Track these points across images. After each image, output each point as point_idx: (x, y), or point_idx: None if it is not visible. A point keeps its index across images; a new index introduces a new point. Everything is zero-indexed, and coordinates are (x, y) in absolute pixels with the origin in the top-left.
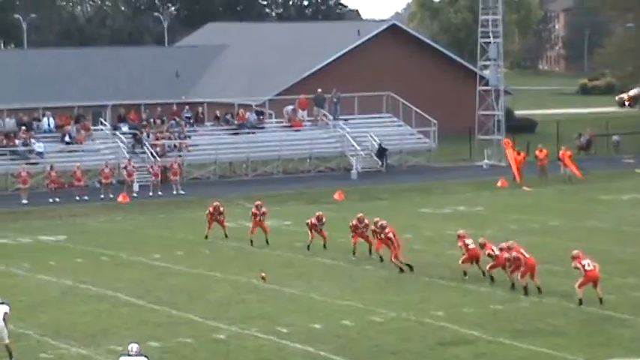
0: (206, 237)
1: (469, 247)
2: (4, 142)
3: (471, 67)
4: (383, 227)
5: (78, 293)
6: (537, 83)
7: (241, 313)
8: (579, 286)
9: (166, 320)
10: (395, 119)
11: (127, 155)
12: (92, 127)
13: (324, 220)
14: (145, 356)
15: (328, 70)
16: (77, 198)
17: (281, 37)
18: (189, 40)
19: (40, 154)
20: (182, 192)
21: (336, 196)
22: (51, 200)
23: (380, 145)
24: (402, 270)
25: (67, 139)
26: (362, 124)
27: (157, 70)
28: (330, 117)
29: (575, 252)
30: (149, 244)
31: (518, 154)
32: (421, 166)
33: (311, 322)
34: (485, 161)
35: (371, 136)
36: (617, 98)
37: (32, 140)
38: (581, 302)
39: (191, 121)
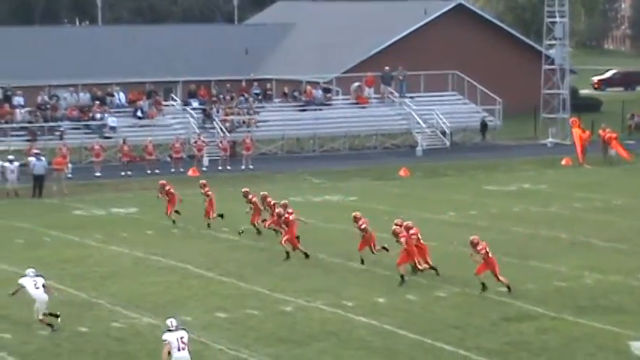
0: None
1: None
2: (79, 116)
3: (536, 46)
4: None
5: (149, 265)
6: (602, 63)
7: (307, 286)
8: None
9: (234, 292)
10: (460, 97)
11: (197, 130)
12: (163, 103)
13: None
14: (185, 329)
15: (395, 49)
16: (148, 171)
17: (349, 16)
18: (259, 19)
19: (113, 128)
20: (251, 167)
21: (401, 172)
22: (123, 173)
23: (483, 120)
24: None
25: (139, 113)
26: (427, 101)
27: (227, 48)
28: (397, 94)
29: None
30: (217, 218)
31: (584, 131)
32: (486, 143)
33: (375, 296)
34: (550, 139)
35: (436, 114)
36: None
37: (106, 115)
38: None
39: (259, 97)
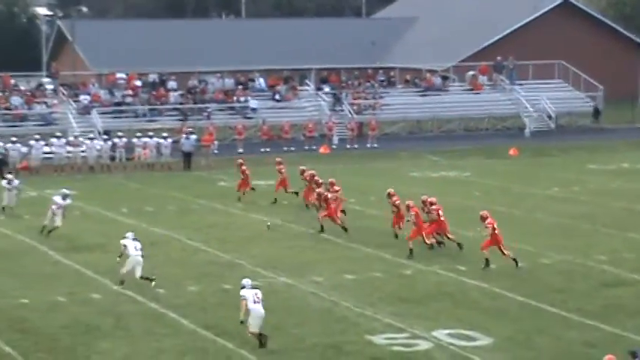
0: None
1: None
2: (224, 98)
3: (636, 39)
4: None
5: (285, 231)
6: None
7: (426, 252)
8: None
9: (361, 256)
10: (565, 84)
11: (328, 112)
12: (299, 88)
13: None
14: (258, 288)
15: (506, 40)
16: (284, 148)
17: (465, 10)
18: (385, 13)
19: (254, 109)
20: (375, 145)
21: (510, 151)
22: (262, 150)
23: (595, 106)
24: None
25: (277, 97)
26: (535, 88)
27: (356, 39)
28: (507, 82)
29: None
30: (346, 190)
31: None
32: (588, 126)
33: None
34: None
35: (543, 99)
36: None
37: (248, 98)
38: None
39: (384, 83)
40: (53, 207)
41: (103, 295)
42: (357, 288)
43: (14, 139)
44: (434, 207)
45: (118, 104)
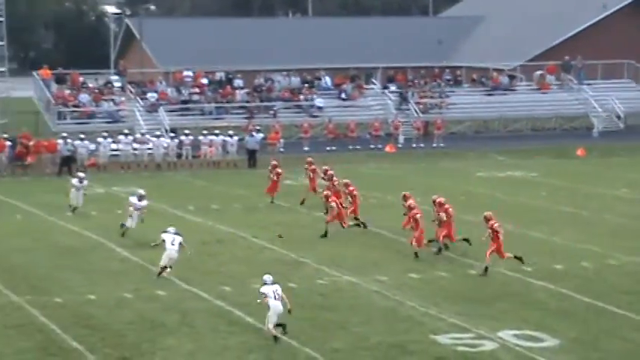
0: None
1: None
2: (290, 97)
3: None
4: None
5: (349, 229)
6: None
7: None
8: None
9: (426, 256)
10: (634, 84)
11: (394, 111)
12: (365, 86)
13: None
14: (277, 283)
15: (575, 40)
16: (350, 147)
17: (533, 9)
18: (452, 12)
19: (319, 108)
20: (442, 144)
21: (578, 152)
22: (328, 148)
23: None
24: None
25: (343, 95)
26: (604, 88)
27: (422, 38)
28: (575, 81)
29: None
30: (411, 190)
31: None
32: None
33: (553, 263)
34: None
35: (612, 99)
36: None
37: (314, 96)
38: None
39: (450, 82)
40: (130, 208)
41: (169, 292)
42: (421, 287)
43: (82, 136)
44: (445, 207)
45: (185, 102)
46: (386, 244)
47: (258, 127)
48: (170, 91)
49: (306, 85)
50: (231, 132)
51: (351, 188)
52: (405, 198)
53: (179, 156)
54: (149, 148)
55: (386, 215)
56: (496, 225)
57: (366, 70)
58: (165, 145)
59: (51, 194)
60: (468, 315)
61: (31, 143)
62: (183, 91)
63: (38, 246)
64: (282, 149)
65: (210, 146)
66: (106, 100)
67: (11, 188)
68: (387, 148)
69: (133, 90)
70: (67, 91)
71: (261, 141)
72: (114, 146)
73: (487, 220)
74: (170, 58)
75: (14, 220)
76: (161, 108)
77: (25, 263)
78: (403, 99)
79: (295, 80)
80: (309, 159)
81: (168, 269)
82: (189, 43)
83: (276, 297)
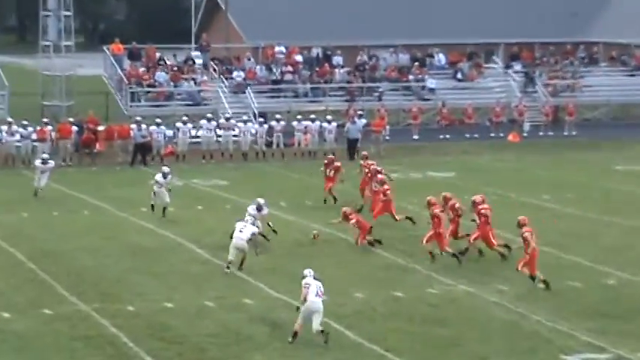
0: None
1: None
2: (398, 77)
3: None
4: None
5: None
6: None
7: (632, 259)
8: None
9: (553, 262)
10: None
11: (519, 94)
12: (484, 65)
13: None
14: (319, 280)
15: None
16: (467, 135)
17: None
18: None
19: (431, 90)
20: (574, 133)
21: None
22: (441, 137)
23: None
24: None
25: (458, 76)
26: None
27: (552, 9)
28: None
29: None
30: (538, 185)
31: None
32: None
33: None
34: None
35: None
36: None
37: (425, 76)
38: None
39: (585, 61)
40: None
41: (256, 301)
42: (549, 299)
43: (158, 120)
44: (452, 202)
45: (276, 82)
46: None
47: (360, 112)
48: (259, 70)
49: (417, 63)
50: (329, 117)
51: (385, 187)
52: (430, 205)
53: (269, 144)
54: (235, 135)
55: (507, 215)
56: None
57: (486, 46)
58: (254, 131)
59: (123, 187)
60: (605, 332)
61: (100, 128)
62: (275, 70)
63: (108, 246)
64: (387, 137)
65: (305, 133)
66: (185, 79)
67: (78, 179)
68: (510, 137)
69: (216, 68)
70: (142, 69)
71: (364, 128)
72: (194, 132)
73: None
74: (259, 31)
75: (81, 217)
76: (249, 89)
77: (93, 266)
78: (529, 80)
79: (404, 58)
80: (365, 153)
81: (228, 269)
82: (282, 15)
83: (319, 293)
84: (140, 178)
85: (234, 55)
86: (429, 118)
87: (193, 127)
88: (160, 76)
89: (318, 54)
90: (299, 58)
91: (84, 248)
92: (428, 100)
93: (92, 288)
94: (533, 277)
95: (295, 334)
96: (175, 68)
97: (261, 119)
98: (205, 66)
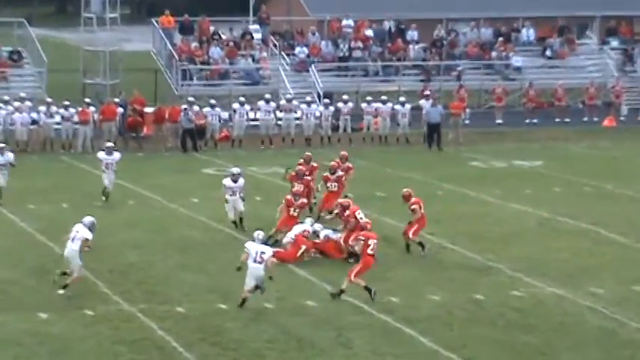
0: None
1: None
2: (479, 54)
3: None
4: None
5: (554, 227)
6: None
7: None
8: None
9: None
10: None
11: (616, 74)
12: (577, 41)
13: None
14: (268, 245)
15: None
16: (557, 120)
17: None
18: None
19: (517, 69)
20: None
21: None
22: (528, 121)
23: None
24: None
25: (547, 53)
26: None
27: None
28: None
29: None
30: (638, 175)
31: None
32: None
33: None
34: None
35: None
36: None
37: (510, 53)
38: None
39: None
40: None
41: (320, 303)
42: None
43: (213, 101)
44: (412, 201)
45: (343, 59)
46: (602, 247)
47: (435, 94)
48: (324, 46)
49: (501, 38)
50: (402, 98)
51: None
52: (406, 198)
53: (335, 128)
54: (297, 118)
55: (604, 209)
56: (414, 206)
57: (579, 19)
58: (318, 114)
59: (172, 174)
60: None
61: (148, 110)
62: (342, 46)
63: (155, 241)
64: (466, 121)
65: (376, 116)
66: (242, 55)
67: (122, 166)
68: (606, 122)
69: (277, 43)
70: (194, 44)
71: (443, 111)
72: (252, 115)
73: (407, 198)
74: (325, 2)
75: (125, 207)
76: (312, 67)
77: (139, 262)
78: (628, 58)
79: (486, 32)
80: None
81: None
82: None
83: (257, 260)
84: (192, 166)
85: (296, 29)
86: (514, 100)
87: (251, 109)
88: (215, 52)
89: (390, 28)
90: (369, 32)
91: (128, 243)
92: (513, 80)
93: (137, 287)
94: (408, 245)
95: (243, 301)
96: (231, 43)
97: (327, 100)
98: (264, 41)
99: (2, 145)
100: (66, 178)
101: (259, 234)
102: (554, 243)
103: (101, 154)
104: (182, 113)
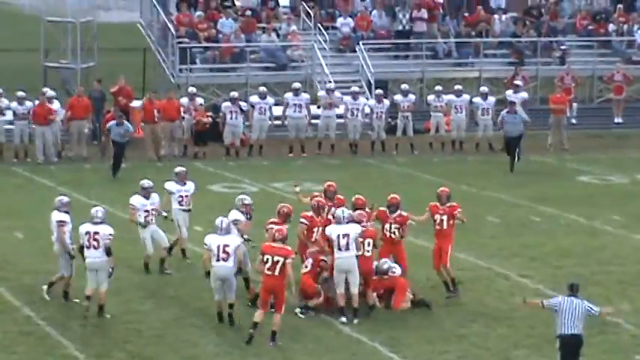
0: None
1: None
2: (591, 28)
3: None
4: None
5: None
6: None
7: None
8: None
9: None
10: None
11: None
12: None
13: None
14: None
15: None
16: None
17: None
18: None
19: None
20: None
21: None
22: None
23: None
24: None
25: None
26: None
27: None
28: None
29: None
30: None
31: None
32: None
33: None
34: None
35: None
36: None
37: (634, 27)
38: None
39: None
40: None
41: None
42: None
43: (234, 93)
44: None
45: (402, 35)
46: None
47: (531, 82)
48: (376, 16)
49: (620, 6)
50: (484, 89)
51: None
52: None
53: (392, 129)
54: (339, 116)
55: None
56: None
57: None
58: (368, 110)
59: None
60: None
61: (135, 104)
62: (400, 16)
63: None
64: (573, 121)
65: (447, 114)
66: (264, 29)
67: (99, 183)
68: None
69: (311, 13)
70: (198, 14)
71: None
72: (276, 111)
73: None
74: None
75: None
76: (360, 45)
77: (119, 314)
78: None
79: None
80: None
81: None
82: None
83: (221, 257)
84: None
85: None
86: (639, 90)
87: (275, 104)
88: (225, 24)
89: None
90: None
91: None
92: (638, 63)
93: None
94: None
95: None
96: (248, 12)
97: (379, 92)
98: (294, 10)
99: None
100: (20, 197)
101: (222, 221)
102: None
103: (171, 185)
104: (186, 104)
